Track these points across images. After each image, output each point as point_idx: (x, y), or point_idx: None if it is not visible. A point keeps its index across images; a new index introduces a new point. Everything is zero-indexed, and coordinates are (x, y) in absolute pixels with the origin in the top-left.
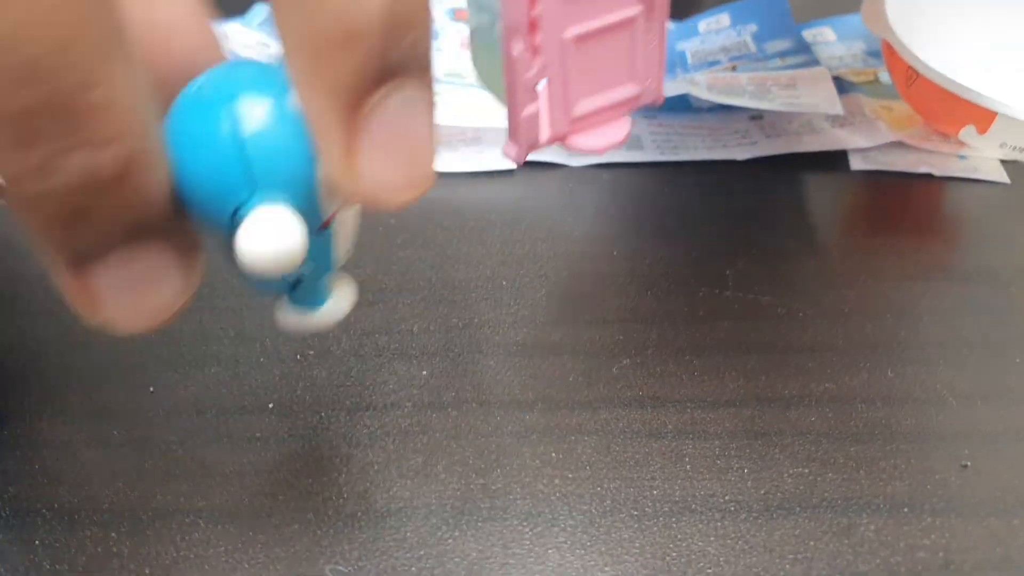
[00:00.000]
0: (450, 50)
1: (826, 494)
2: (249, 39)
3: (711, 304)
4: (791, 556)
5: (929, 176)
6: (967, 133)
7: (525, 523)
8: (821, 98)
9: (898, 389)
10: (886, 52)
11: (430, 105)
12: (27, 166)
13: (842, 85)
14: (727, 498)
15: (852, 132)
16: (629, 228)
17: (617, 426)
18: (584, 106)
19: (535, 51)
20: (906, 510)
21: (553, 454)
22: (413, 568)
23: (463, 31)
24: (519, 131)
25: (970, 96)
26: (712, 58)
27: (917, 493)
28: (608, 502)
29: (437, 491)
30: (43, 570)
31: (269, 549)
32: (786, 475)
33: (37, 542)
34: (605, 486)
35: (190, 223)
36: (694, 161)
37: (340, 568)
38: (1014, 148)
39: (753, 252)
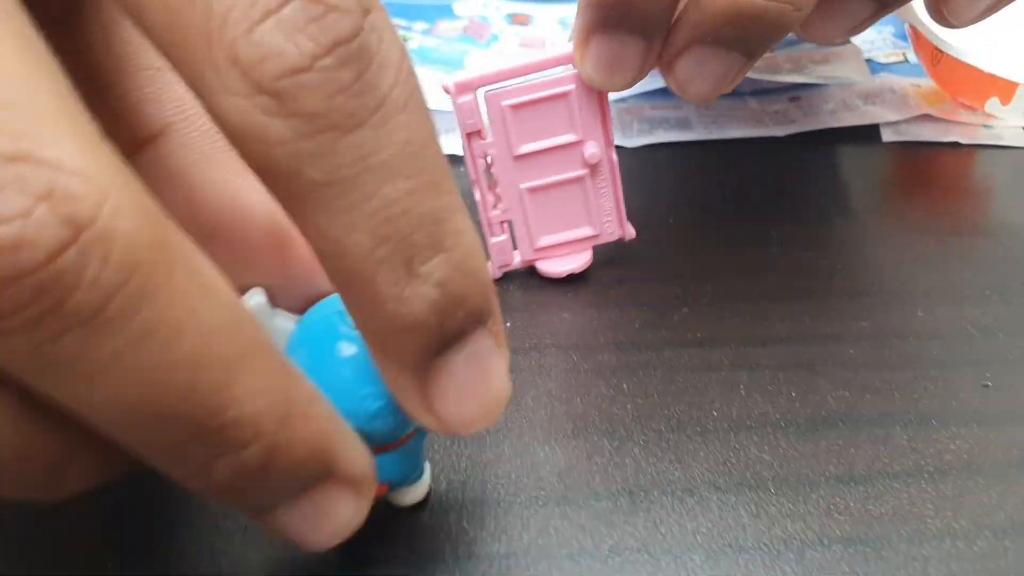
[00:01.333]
0: (510, 51)
1: (864, 412)
2: None
3: (758, 260)
4: (835, 460)
5: (956, 144)
6: (992, 105)
7: (604, 438)
8: (853, 70)
9: (927, 325)
10: (912, 35)
11: (493, 349)
12: (182, 475)
13: (873, 66)
14: (777, 416)
15: (883, 108)
16: (682, 199)
17: (679, 362)
18: (546, 240)
19: (497, 197)
20: (935, 422)
21: (625, 385)
22: (513, 475)
23: (521, 33)
24: (491, 255)
25: (994, 69)
26: None
27: (944, 408)
28: (674, 421)
29: (527, 416)
30: None
31: None
32: (829, 397)
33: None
34: (672, 409)
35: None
36: (738, 139)
37: (452, 476)
38: None
39: (794, 215)
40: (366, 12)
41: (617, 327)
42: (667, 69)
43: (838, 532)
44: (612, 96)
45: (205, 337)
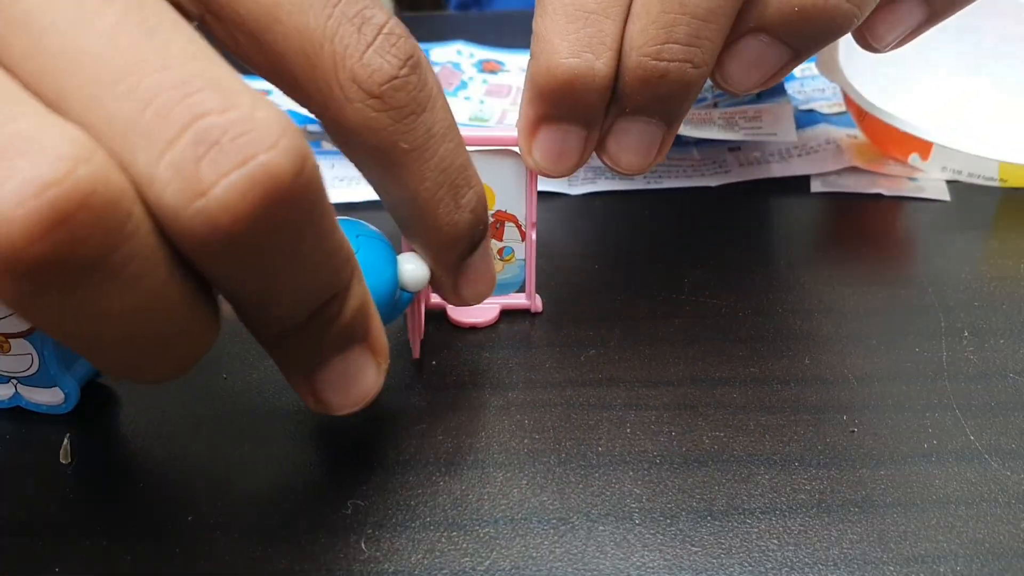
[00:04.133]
0: (476, 97)
1: (735, 452)
2: None
3: (668, 305)
4: (698, 496)
5: (879, 196)
6: (913, 159)
7: (499, 470)
8: (781, 128)
9: (810, 372)
10: (843, 92)
11: (490, 250)
12: (279, 323)
13: (815, 117)
14: (655, 454)
15: (814, 159)
16: (611, 246)
17: (578, 400)
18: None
19: None
20: (797, 464)
21: (526, 421)
22: (412, 501)
23: (489, 80)
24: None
25: (909, 129)
26: (699, 96)
27: (809, 451)
28: (563, 455)
29: (435, 449)
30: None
31: (309, 483)
32: (705, 437)
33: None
34: (563, 444)
35: (379, 328)
36: (674, 188)
37: (359, 502)
38: (953, 171)
39: (710, 263)
40: (410, 33)
41: (529, 366)
42: (600, 149)
43: (688, 562)
44: None
45: (338, 230)
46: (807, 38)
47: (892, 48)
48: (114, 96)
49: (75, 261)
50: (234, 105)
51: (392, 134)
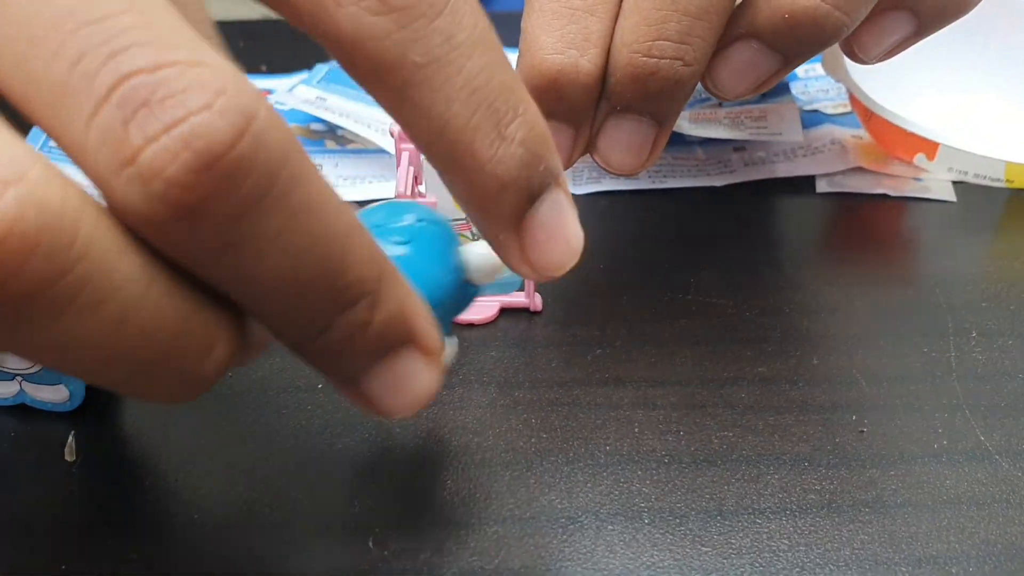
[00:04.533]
0: None
1: (744, 452)
2: (309, 95)
3: (674, 305)
4: (708, 496)
5: (885, 196)
6: (919, 159)
7: (506, 469)
8: (786, 127)
9: (819, 372)
10: (848, 93)
11: (566, 200)
12: (304, 337)
13: (819, 117)
14: (663, 453)
15: (820, 159)
16: (616, 246)
17: (585, 400)
18: None
19: None
20: (806, 464)
21: (533, 420)
22: (420, 501)
23: None
24: None
25: (915, 130)
26: (703, 95)
27: (818, 451)
28: (571, 455)
29: (443, 447)
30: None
31: (316, 482)
32: (713, 437)
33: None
34: (570, 443)
35: (428, 327)
36: (678, 188)
37: (366, 501)
38: (959, 171)
39: (715, 264)
40: None
41: (536, 366)
42: (591, 148)
43: (698, 562)
44: None
45: (332, 214)
46: (797, 45)
47: (879, 60)
48: (41, 56)
49: (10, 295)
50: (168, 61)
51: (398, 44)
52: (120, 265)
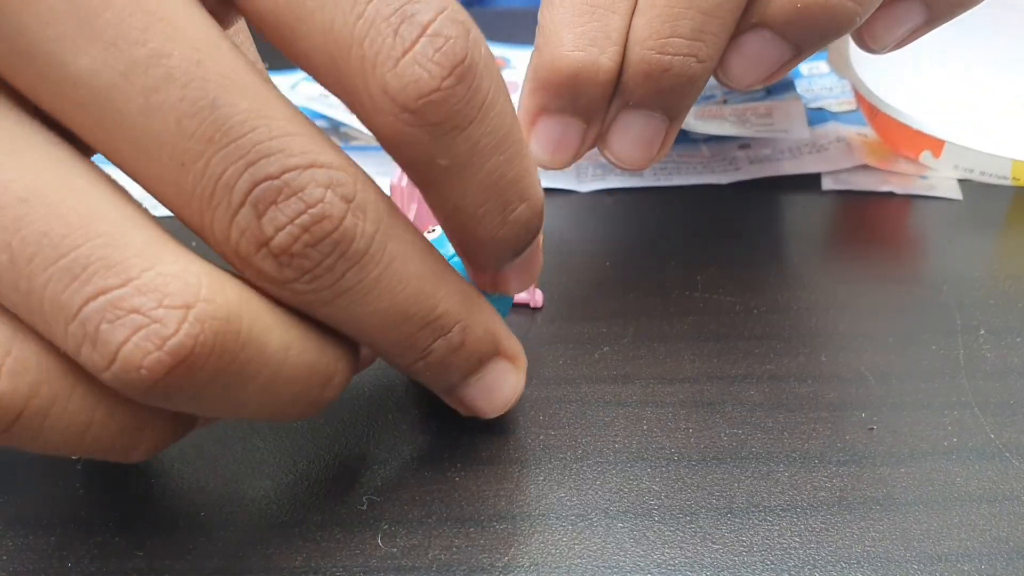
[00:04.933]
0: None
1: (753, 449)
2: (313, 91)
3: (681, 303)
4: (718, 493)
5: (891, 194)
6: (925, 157)
7: (514, 466)
8: (792, 124)
9: (828, 369)
10: (853, 90)
11: (538, 249)
12: (409, 360)
13: (824, 115)
14: (672, 450)
15: (825, 157)
16: (622, 243)
17: (592, 397)
18: None
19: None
20: (816, 461)
21: (540, 417)
22: (428, 497)
23: None
24: None
25: (921, 127)
26: (708, 92)
27: (828, 449)
28: (579, 452)
29: (449, 445)
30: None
31: (324, 479)
32: (722, 434)
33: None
34: (578, 440)
35: (509, 338)
36: (684, 185)
37: (375, 498)
38: (965, 169)
39: (722, 261)
40: (468, 31)
41: (543, 363)
42: (601, 143)
43: (709, 559)
44: None
45: (421, 259)
46: (809, 35)
47: (890, 50)
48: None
49: (194, 384)
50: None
51: (429, 150)
52: (271, 340)
